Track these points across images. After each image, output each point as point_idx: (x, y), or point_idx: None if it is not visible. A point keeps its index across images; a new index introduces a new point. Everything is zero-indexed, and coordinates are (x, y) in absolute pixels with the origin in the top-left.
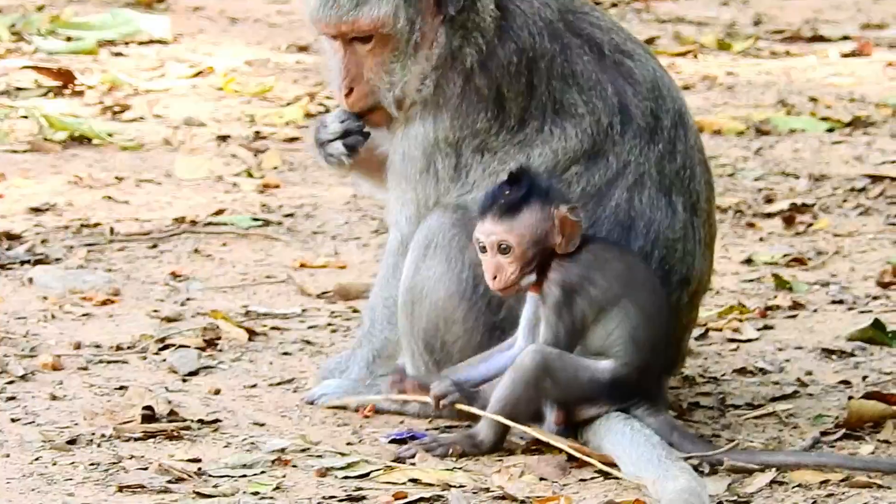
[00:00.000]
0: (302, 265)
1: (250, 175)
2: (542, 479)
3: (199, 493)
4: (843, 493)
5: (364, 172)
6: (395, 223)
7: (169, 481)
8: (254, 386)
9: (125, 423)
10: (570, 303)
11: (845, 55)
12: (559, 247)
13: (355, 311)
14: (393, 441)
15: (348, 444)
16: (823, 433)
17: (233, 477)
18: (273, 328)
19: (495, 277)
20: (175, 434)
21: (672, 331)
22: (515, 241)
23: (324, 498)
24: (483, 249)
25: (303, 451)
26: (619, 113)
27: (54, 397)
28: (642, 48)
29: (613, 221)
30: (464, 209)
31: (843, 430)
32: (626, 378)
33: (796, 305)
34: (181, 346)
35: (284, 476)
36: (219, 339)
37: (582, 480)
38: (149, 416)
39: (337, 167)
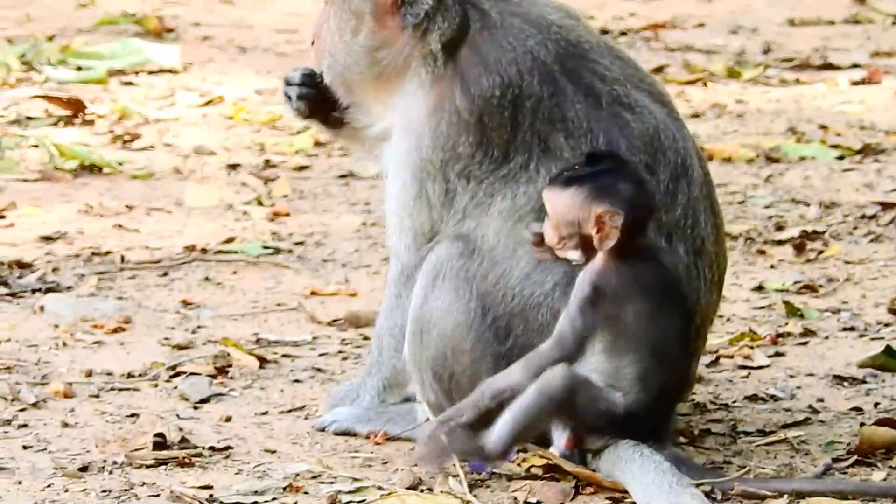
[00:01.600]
0: (312, 293)
1: (260, 203)
2: None
3: None
4: None
5: (351, 141)
6: (396, 252)
7: None
8: (265, 413)
9: (137, 450)
10: (595, 304)
11: (855, 83)
12: (595, 242)
13: (366, 338)
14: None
15: (360, 469)
16: (835, 460)
17: None
18: (284, 356)
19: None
20: (186, 461)
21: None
22: (551, 211)
23: None
24: None
25: (314, 477)
26: None
27: (66, 425)
28: (651, 94)
29: None
30: (468, 239)
31: (855, 457)
32: (635, 413)
33: (807, 332)
34: (192, 374)
35: (296, 502)
36: (230, 366)
37: None
38: (160, 443)
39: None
